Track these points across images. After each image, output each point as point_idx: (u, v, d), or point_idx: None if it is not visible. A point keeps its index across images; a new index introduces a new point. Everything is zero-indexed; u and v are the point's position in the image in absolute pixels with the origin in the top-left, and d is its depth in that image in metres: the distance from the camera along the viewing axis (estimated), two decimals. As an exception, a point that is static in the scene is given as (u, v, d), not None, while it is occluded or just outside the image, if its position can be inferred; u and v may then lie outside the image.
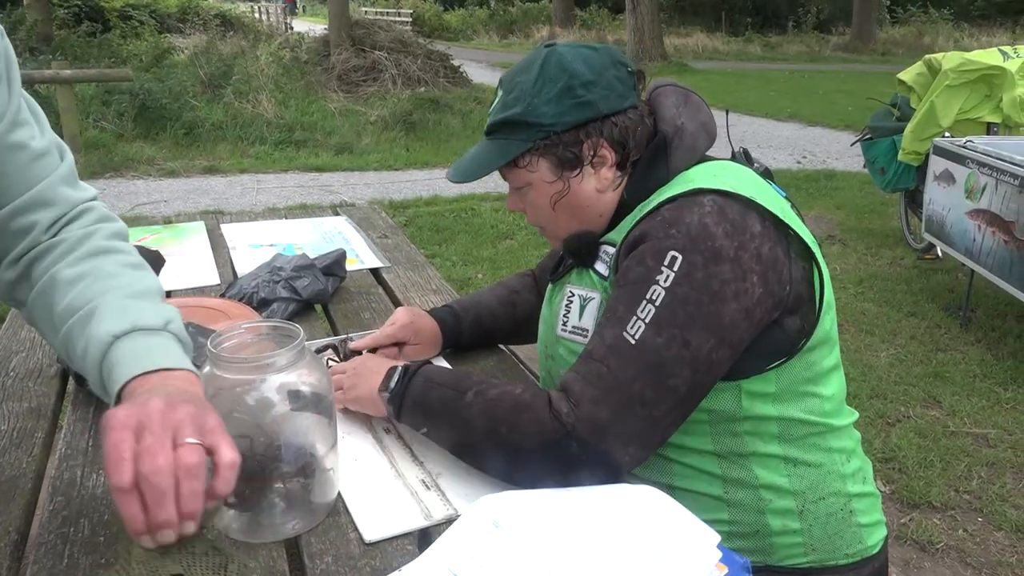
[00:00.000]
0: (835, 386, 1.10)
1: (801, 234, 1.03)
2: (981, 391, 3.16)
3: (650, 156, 1.07)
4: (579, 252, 1.12)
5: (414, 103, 9.12)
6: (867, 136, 4.81)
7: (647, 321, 0.95)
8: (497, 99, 1.11)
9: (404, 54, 10.45)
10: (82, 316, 0.84)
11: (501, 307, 1.39)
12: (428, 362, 1.13)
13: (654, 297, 0.96)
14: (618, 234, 1.07)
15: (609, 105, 1.05)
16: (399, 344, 1.29)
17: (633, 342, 0.95)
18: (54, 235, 0.91)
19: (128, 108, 7.64)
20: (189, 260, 1.80)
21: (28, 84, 7.30)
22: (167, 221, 2.11)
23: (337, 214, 2.22)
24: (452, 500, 0.96)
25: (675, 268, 0.96)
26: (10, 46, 0.89)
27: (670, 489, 1.08)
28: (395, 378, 1.08)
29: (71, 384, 1.23)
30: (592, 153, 1.07)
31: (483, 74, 13.12)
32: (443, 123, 8.94)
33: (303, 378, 0.90)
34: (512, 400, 0.99)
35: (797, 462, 1.07)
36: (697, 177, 1.03)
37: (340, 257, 1.61)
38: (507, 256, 4.79)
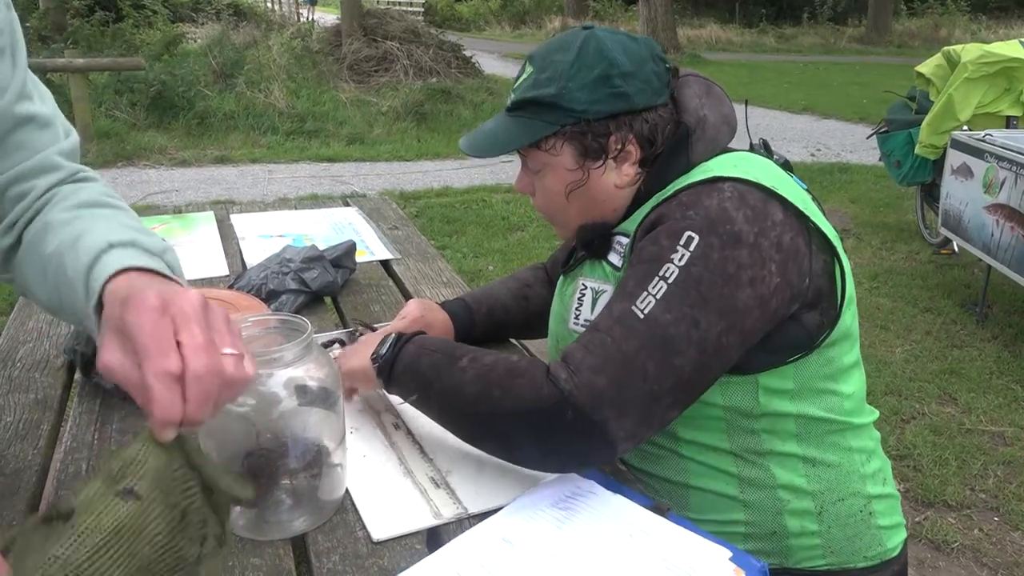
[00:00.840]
0: (855, 384, 1.07)
1: (822, 227, 1.00)
2: (997, 388, 3.12)
3: (671, 147, 1.04)
4: (592, 243, 1.09)
5: (426, 94, 9.08)
6: (883, 129, 4.75)
7: (658, 297, 0.92)
8: (526, 75, 1.07)
9: (416, 44, 10.40)
10: (74, 238, 0.77)
11: (513, 300, 1.37)
12: (423, 332, 1.10)
13: (667, 275, 0.93)
14: (632, 224, 1.04)
15: (644, 100, 1.02)
16: None
17: (641, 316, 0.92)
18: (48, 196, 0.87)
19: (141, 97, 7.64)
20: (198, 250, 1.79)
21: (41, 72, 7.32)
22: (177, 210, 2.10)
23: (347, 205, 2.20)
24: (462, 499, 0.94)
25: (691, 248, 0.93)
26: (16, 18, 0.87)
27: (686, 488, 1.07)
28: (387, 345, 1.06)
29: (78, 375, 1.22)
30: (619, 147, 1.03)
31: (495, 65, 13.06)
32: (455, 114, 8.90)
33: (311, 373, 0.88)
34: (508, 365, 0.96)
35: (816, 462, 1.04)
36: (716, 167, 1.01)
37: (350, 249, 1.59)
38: (518, 248, 4.76)
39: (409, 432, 1.08)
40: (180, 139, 7.39)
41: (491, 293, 1.38)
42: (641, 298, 0.93)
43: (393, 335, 1.07)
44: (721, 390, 1.00)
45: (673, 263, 0.93)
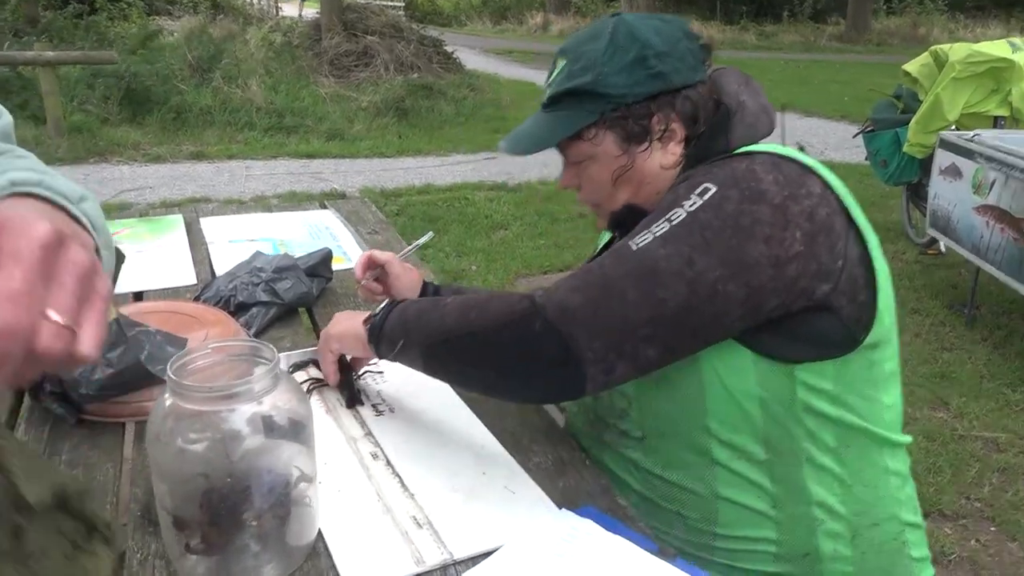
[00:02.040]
0: (895, 395, 1.00)
1: (859, 221, 0.94)
2: (989, 392, 3.07)
3: (711, 130, 1.01)
4: (623, 223, 1.05)
5: (407, 89, 8.95)
6: (869, 128, 4.70)
7: (657, 234, 0.89)
8: (559, 69, 1.05)
9: (397, 39, 10.26)
10: None
11: None
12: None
13: (673, 218, 0.89)
14: None
15: (681, 77, 1.00)
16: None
17: (635, 249, 0.89)
18: None
19: (113, 91, 7.45)
20: (165, 257, 1.68)
21: (11, 66, 7.14)
22: (143, 214, 1.99)
23: (324, 207, 2.10)
24: (447, 542, 0.85)
25: (705, 197, 0.89)
26: None
27: (715, 499, 0.98)
28: (380, 308, 1.06)
29: (27, 401, 1.11)
30: (663, 128, 1.01)
31: (476, 60, 12.94)
32: (436, 110, 8.79)
33: (278, 405, 0.79)
34: (488, 294, 0.98)
35: (852, 481, 0.97)
36: (748, 149, 0.97)
37: (326, 257, 1.50)
38: (501, 247, 4.67)
39: (389, 463, 0.99)
40: (154, 134, 7.22)
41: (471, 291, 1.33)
42: (641, 235, 0.90)
43: (387, 300, 1.08)
44: (757, 376, 0.92)
45: (683, 208, 0.90)
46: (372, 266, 1.28)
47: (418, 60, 10.11)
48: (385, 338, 1.02)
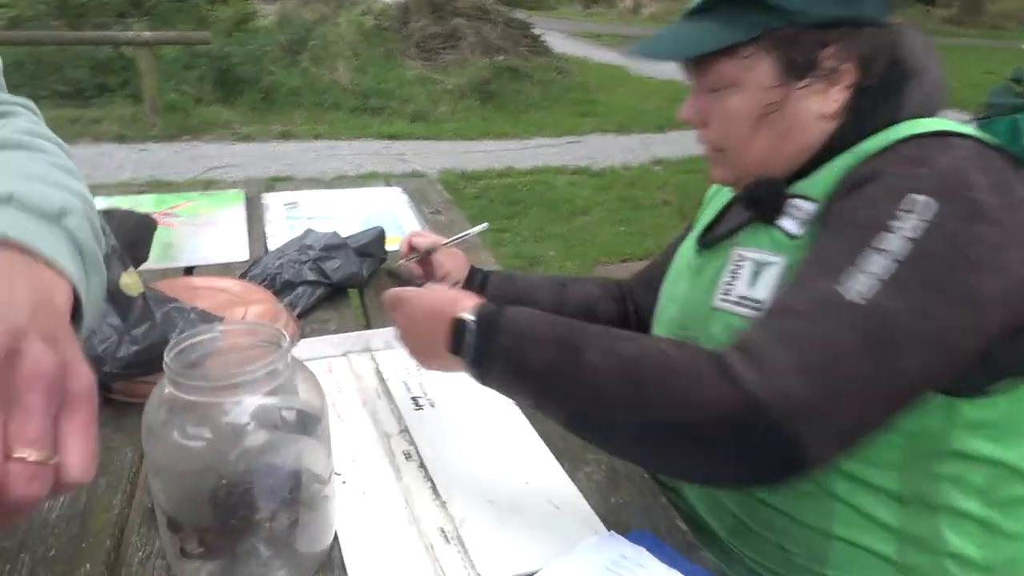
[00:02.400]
0: None
1: None
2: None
3: (883, 88, 0.83)
4: (760, 201, 0.87)
5: (493, 72, 8.88)
6: (984, 115, 4.35)
7: (883, 279, 0.69)
8: None
9: (484, 21, 10.19)
10: None
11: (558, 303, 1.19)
12: (500, 309, 0.82)
13: (891, 248, 0.70)
14: (816, 186, 0.83)
15: (870, 10, 0.83)
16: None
17: (860, 303, 0.69)
18: None
19: (207, 72, 7.65)
20: (221, 232, 1.63)
21: (113, 46, 7.39)
22: (205, 188, 1.96)
23: (389, 185, 2.02)
24: (476, 561, 0.75)
25: (922, 215, 0.71)
26: None
27: (828, 538, 0.83)
28: (469, 336, 0.80)
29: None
30: (833, 65, 0.83)
31: (565, 44, 12.74)
32: (522, 93, 8.68)
33: (288, 397, 0.70)
34: (659, 357, 0.72)
35: (996, 529, 0.80)
36: (936, 125, 0.79)
37: (378, 236, 1.41)
38: (581, 233, 4.54)
39: (422, 464, 0.89)
40: (245, 114, 7.37)
41: (534, 283, 1.21)
42: (851, 276, 0.70)
43: (469, 318, 0.80)
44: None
45: (898, 233, 0.71)
46: (413, 250, 1.19)
47: (505, 43, 10.01)
48: (496, 382, 0.81)
